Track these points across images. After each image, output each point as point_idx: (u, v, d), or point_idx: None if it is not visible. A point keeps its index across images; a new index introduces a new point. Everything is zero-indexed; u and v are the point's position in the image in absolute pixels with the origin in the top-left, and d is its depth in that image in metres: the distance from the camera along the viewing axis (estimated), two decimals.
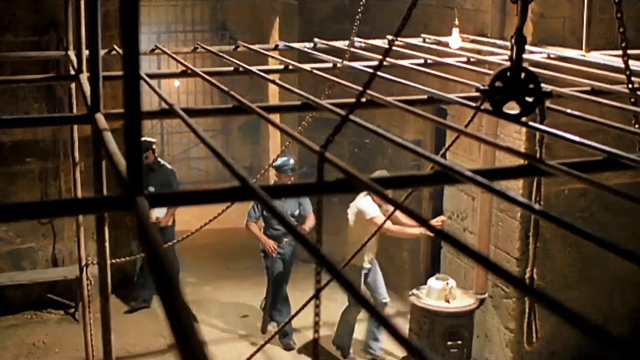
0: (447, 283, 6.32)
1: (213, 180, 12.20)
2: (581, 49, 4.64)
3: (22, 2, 7.27)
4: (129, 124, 1.32)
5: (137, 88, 1.31)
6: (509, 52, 2.69)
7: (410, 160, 7.56)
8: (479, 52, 4.98)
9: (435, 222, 6.51)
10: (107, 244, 2.73)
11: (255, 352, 4.66)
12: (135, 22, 1.27)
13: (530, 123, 2.36)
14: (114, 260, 5.49)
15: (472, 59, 4.34)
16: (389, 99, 2.57)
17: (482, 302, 6.43)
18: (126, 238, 8.01)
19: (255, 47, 4.74)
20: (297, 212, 7.35)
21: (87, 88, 2.61)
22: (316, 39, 5.09)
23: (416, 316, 6.43)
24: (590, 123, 2.42)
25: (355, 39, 4.77)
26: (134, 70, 1.29)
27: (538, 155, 2.95)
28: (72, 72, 3.72)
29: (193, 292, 8.27)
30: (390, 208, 6.47)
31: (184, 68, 3.60)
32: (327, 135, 2.01)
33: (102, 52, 2.35)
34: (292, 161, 7.29)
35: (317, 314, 2.41)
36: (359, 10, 4.44)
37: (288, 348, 7.27)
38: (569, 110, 2.48)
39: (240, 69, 3.61)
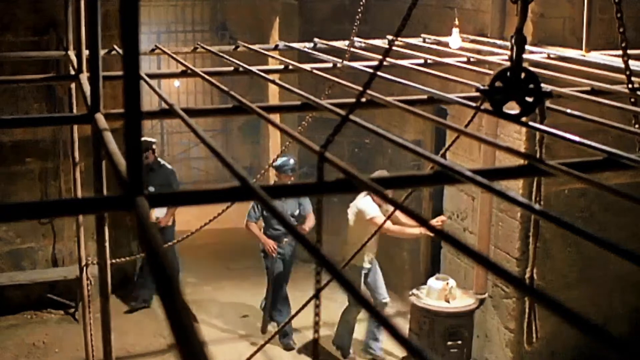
0: (447, 283, 6.32)
1: (213, 180, 12.20)
2: (581, 49, 4.64)
3: (22, 2, 7.27)
4: (129, 124, 1.32)
5: (137, 88, 1.31)
6: (509, 52, 2.69)
7: (410, 160, 7.56)
8: (479, 52, 4.98)
9: (435, 222, 6.51)
10: (107, 244, 2.73)
11: (255, 352, 4.66)
12: (135, 22, 1.27)
13: (530, 123, 2.36)
14: (114, 260, 5.50)
15: (472, 59, 4.34)
16: (389, 99, 2.57)
17: (482, 302, 6.43)
18: (126, 238, 8.01)
19: (255, 47, 4.74)
20: (297, 212, 7.34)
21: (87, 88, 2.61)
22: (316, 39, 5.09)
23: (416, 316, 6.43)
24: (590, 123, 2.42)
25: (355, 39, 4.77)
26: (134, 70, 1.29)
27: (538, 155, 2.95)
28: (72, 72, 3.72)
29: (193, 292, 8.27)
30: (391, 208, 6.47)
31: (184, 68, 3.60)
32: (327, 135, 2.01)
33: (102, 52, 2.35)
34: (292, 161, 7.27)
35: (317, 314, 2.41)
36: (359, 10, 4.44)
37: (288, 348, 7.27)
38: (569, 110, 2.48)
39: (240, 69, 3.61)
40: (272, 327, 7.35)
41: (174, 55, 3.98)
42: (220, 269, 9.18)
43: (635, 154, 1.84)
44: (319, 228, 2.37)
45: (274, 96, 10.57)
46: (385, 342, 6.94)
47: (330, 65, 4.03)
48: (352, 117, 2.11)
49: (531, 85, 2.23)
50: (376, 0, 7.29)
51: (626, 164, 1.78)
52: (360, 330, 7.04)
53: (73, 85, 4.43)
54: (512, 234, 6.12)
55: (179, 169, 12.87)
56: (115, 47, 4.26)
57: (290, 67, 3.94)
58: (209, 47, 4.51)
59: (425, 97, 2.86)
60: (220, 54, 4.19)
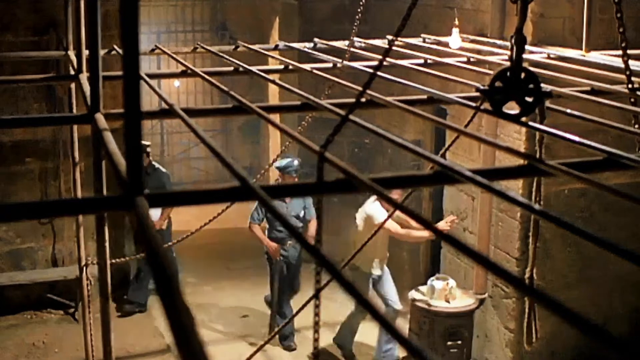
0: (447, 283, 6.32)
1: (213, 180, 12.20)
2: (581, 49, 4.64)
3: (22, 2, 7.27)
4: (129, 124, 1.32)
5: (137, 88, 1.31)
6: (509, 52, 2.69)
7: (410, 160, 7.55)
8: (479, 52, 4.98)
9: (445, 223, 6.44)
10: (107, 244, 2.73)
11: (255, 352, 4.66)
12: (135, 22, 1.27)
13: (530, 123, 2.36)
14: (113, 260, 5.50)
15: (472, 59, 4.34)
16: (389, 99, 2.57)
17: (482, 302, 6.42)
18: (125, 239, 8.01)
19: (255, 47, 4.74)
20: (302, 214, 7.25)
21: (87, 88, 2.61)
22: (316, 39, 5.09)
23: (416, 316, 6.43)
24: (590, 123, 2.42)
25: (355, 39, 4.77)
26: (134, 70, 1.29)
27: (538, 155, 2.95)
28: (72, 72, 3.72)
29: (193, 292, 8.27)
30: (398, 214, 6.47)
31: (184, 68, 3.60)
32: (327, 135, 2.01)
33: (102, 52, 2.35)
34: (296, 162, 7.17)
35: (317, 314, 2.41)
36: (359, 10, 4.44)
37: (288, 349, 7.25)
38: (569, 110, 2.48)
39: (240, 69, 3.61)
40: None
41: (174, 55, 3.98)
42: (220, 269, 9.18)
43: (635, 154, 1.84)
44: (319, 228, 2.37)
45: (274, 96, 10.57)
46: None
47: (330, 65, 4.03)
48: (352, 117, 2.11)
49: (531, 85, 2.23)
50: (376, 0, 7.29)
51: (626, 164, 1.78)
52: (362, 332, 7.01)
53: (73, 85, 4.43)
54: (512, 234, 6.12)
55: (179, 169, 12.91)
56: (115, 47, 4.26)
57: (290, 67, 3.94)
58: (209, 47, 4.51)
59: (425, 97, 2.86)
60: (220, 54, 4.19)
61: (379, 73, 2.58)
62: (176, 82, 12.16)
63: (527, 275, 3.48)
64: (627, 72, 3.07)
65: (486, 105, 2.36)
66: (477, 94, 2.46)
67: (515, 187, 5.77)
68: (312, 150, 1.76)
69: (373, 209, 6.57)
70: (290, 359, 7.16)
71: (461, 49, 4.95)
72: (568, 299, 5.68)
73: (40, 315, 7.67)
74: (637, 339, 6.22)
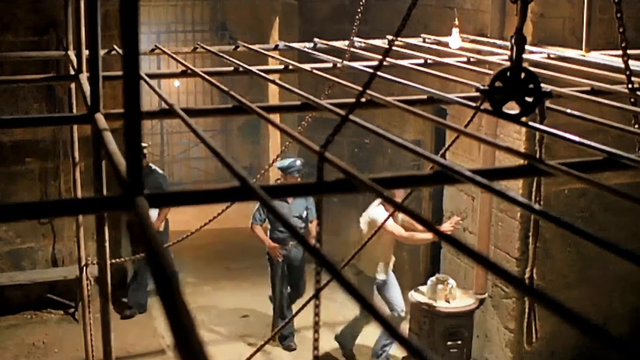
0: (447, 283, 6.32)
1: (213, 180, 12.20)
2: (581, 49, 4.64)
3: (22, 2, 7.27)
4: (129, 124, 1.32)
5: (137, 88, 1.31)
6: (508, 52, 2.69)
7: (410, 160, 7.55)
8: (479, 52, 4.98)
9: (450, 224, 6.43)
10: (107, 244, 2.73)
11: (255, 352, 4.66)
12: (135, 22, 1.27)
13: (530, 123, 2.36)
14: (113, 260, 5.50)
15: (472, 59, 4.34)
16: (389, 99, 2.57)
17: (482, 302, 6.42)
18: (122, 240, 8.01)
19: (255, 47, 4.73)
20: (304, 214, 7.22)
21: (87, 88, 2.61)
22: (316, 39, 5.09)
23: (416, 316, 6.43)
24: (590, 123, 2.41)
25: (355, 39, 4.77)
26: (134, 70, 1.29)
27: (538, 155, 2.95)
28: (72, 72, 3.72)
29: (193, 292, 8.27)
30: (402, 216, 6.46)
31: (184, 68, 3.60)
32: (327, 135, 2.01)
33: (102, 52, 2.35)
34: (298, 162, 7.13)
35: (317, 314, 2.41)
36: (359, 10, 4.44)
37: (288, 349, 7.25)
38: (569, 110, 2.48)
39: (240, 69, 3.61)
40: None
41: (174, 55, 3.98)
42: (220, 269, 9.18)
43: (635, 154, 1.84)
44: (319, 228, 2.37)
45: (274, 96, 10.58)
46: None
47: (330, 65, 4.03)
48: (352, 117, 2.11)
49: (531, 85, 2.23)
50: (376, 0, 7.29)
51: (626, 164, 1.78)
52: (364, 333, 6.99)
53: (73, 85, 4.43)
54: (512, 234, 6.13)
55: (179, 169, 12.91)
56: (115, 47, 4.26)
57: (290, 67, 3.93)
58: (209, 47, 4.51)
59: (425, 97, 2.86)
60: (220, 54, 4.18)
61: (379, 73, 2.58)
62: (176, 82, 12.16)
63: (527, 275, 3.48)
64: (627, 72, 3.07)
65: (486, 105, 2.36)
66: (477, 94, 2.46)
67: (515, 187, 5.77)
68: (312, 150, 1.76)
69: (377, 213, 6.55)
70: (290, 359, 7.16)
71: (461, 49, 4.95)
72: (568, 299, 5.68)
73: (40, 315, 7.67)
74: (637, 339, 6.22)
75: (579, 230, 1.28)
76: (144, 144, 7.71)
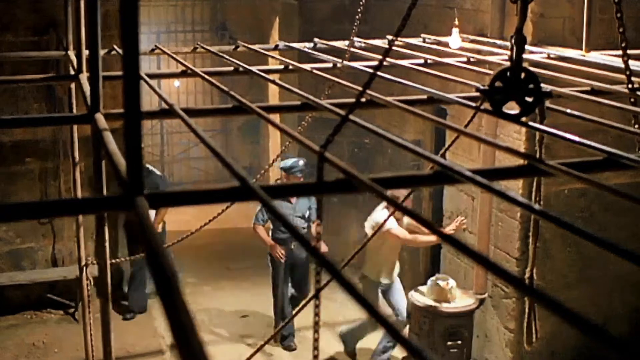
0: (447, 283, 6.32)
1: (213, 180, 12.20)
2: (581, 49, 4.64)
3: (22, 2, 7.27)
4: (129, 124, 1.32)
5: (137, 88, 1.31)
6: (508, 52, 2.69)
7: (410, 160, 7.56)
8: (478, 52, 4.98)
9: (455, 225, 6.42)
10: (106, 244, 2.73)
11: (255, 352, 4.66)
12: (135, 22, 1.26)
13: (530, 123, 2.36)
14: (113, 260, 5.50)
15: (472, 59, 4.34)
16: (389, 99, 2.57)
17: (482, 302, 6.42)
18: (121, 240, 8.00)
19: (255, 47, 4.73)
20: (307, 214, 7.20)
21: (87, 88, 2.61)
22: (316, 39, 5.09)
23: (416, 316, 6.43)
24: (590, 123, 2.41)
25: (355, 39, 4.77)
26: (134, 70, 1.29)
27: (538, 155, 2.95)
28: (72, 72, 3.72)
29: (193, 292, 8.27)
30: (409, 221, 6.45)
31: (184, 68, 3.60)
32: (327, 135, 2.01)
33: (102, 52, 2.35)
34: (301, 163, 7.10)
35: (317, 314, 2.41)
36: (359, 10, 4.44)
37: (288, 349, 7.25)
38: (569, 110, 2.48)
39: (240, 69, 3.61)
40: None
41: (174, 55, 3.98)
42: (220, 269, 9.18)
43: (635, 154, 1.84)
44: (319, 228, 2.37)
45: (274, 96, 10.58)
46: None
47: (330, 65, 4.03)
48: (352, 117, 2.11)
49: (531, 85, 2.23)
50: (376, 0, 7.29)
51: (626, 164, 1.78)
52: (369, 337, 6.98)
53: (73, 85, 4.43)
54: (512, 234, 6.13)
55: (179, 169, 12.92)
56: (115, 47, 4.26)
57: (290, 67, 3.93)
58: (209, 47, 4.51)
59: (425, 97, 2.86)
60: (220, 54, 4.18)
61: (379, 73, 2.58)
62: (176, 82, 12.16)
63: (527, 275, 3.48)
64: (627, 72, 3.07)
65: (486, 105, 2.36)
66: (477, 94, 2.46)
67: (515, 187, 5.77)
68: (312, 150, 1.76)
69: (381, 216, 6.52)
70: (290, 359, 7.16)
71: (461, 49, 4.95)
72: (568, 299, 5.69)
73: (40, 315, 7.67)
74: (637, 339, 6.22)
75: (579, 230, 1.28)
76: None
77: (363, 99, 2.42)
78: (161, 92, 2.67)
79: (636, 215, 5.94)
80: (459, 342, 6.25)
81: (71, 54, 4.08)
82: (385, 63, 2.71)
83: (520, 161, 1.85)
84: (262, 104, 2.70)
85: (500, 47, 5.11)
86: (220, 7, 12.29)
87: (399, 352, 6.83)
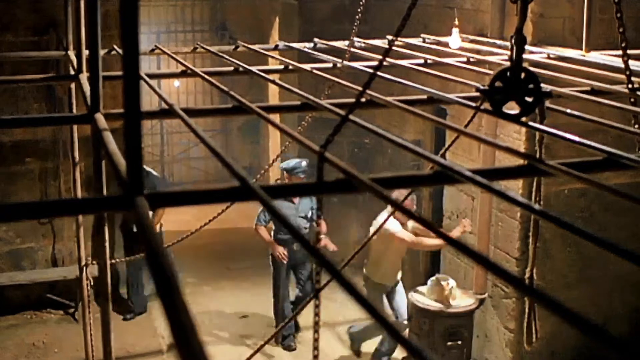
0: (447, 283, 6.32)
1: (213, 180, 12.20)
2: (581, 49, 4.64)
3: (22, 2, 7.27)
4: (129, 124, 1.32)
5: (137, 88, 1.31)
6: (508, 52, 2.69)
7: (410, 160, 7.56)
8: (478, 52, 4.98)
9: (462, 228, 6.41)
10: (106, 244, 2.73)
11: (255, 352, 4.66)
12: (135, 22, 1.26)
13: (530, 123, 2.36)
14: (113, 260, 5.50)
15: (472, 59, 4.34)
16: (389, 99, 2.57)
17: (482, 302, 6.42)
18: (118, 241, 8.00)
19: (255, 47, 4.73)
20: (310, 214, 7.18)
21: (87, 88, 2.61)
22: (316, 39, 5.09)
23: (416, 316, 6.43)
24: (590, 123, 2.41)
25: (355, 39, 4.77)
26: (134, 70, 1.29)
27: (538, 155, 2.95)
28: (72, 72, 3.72)
29: (193, 292, 8.27)
30: (414, 224, 6.45)
31: (184, 68, 3.60)
32: (327, 135, 2.01)
33: (102, 52, 2.35)
34: (304, 163, 7.08)
35: (317, 314, 2.41)
36: (359, 10, 4.44)
37: (288, 349, 7.25)
38: (568, 110, 2.48)
39: (240, 69, 3.61)
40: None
41: (174, 55, 3.98)
42: (220, 269, 9.18)
43: (635, 154, 1.84)
44: (320, 228, 2.37)
45: (274, 96, 10.58)
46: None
47: (330, 65, 4.03)
48: (352, 117, 2.11)
49: (531, 85, 2.23)
50: (376, 0, 7.29)
51: (626, 164, 1.77)
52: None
53: (73, 85, 4.43)
54: (512, 234, 6.13)
55: (179, 169, 12.92)
56: (115, 47, 4.26)
57: (290, 67, 3.93)
58: (209, 47, 4.51)
59: (425, 97, 2.85)
60: (220, 54, 4.18)
61: (379, 73, 2.58)
62: (176, 82, 12.17)
63: (527, 275, 3.48)
64: (627, 72, 3.06)
65: (486, 105, 2.36)
66: (477, 94, 2.46)
67: (515, 187, 5.77)
68: (312, 150, 1.76)
69: (388, 221, 6.51)
70: (290, 359, 7.16)
71: (461, 49, 4.95)
72: (568, 299, 5.69)
73: (40, 315, 7.67)
74: (637, 339, 6.22)
75: (579, 230, 1.28)
76: None
77: (363, 99, 2.42)
78: (161, 92, 2.67)
79: (636, 215, 5.94)
80: (459, 342, 6.26)
81: (71, 54, 4.08)
82: (385, 63, 2.71)
83: (520, 161, 1.85)
84: (262, 104, 2.70)
85: (500, 47, 5.11)
86: (220, 7, 12.29)
87: (399, 352, 6.83)
